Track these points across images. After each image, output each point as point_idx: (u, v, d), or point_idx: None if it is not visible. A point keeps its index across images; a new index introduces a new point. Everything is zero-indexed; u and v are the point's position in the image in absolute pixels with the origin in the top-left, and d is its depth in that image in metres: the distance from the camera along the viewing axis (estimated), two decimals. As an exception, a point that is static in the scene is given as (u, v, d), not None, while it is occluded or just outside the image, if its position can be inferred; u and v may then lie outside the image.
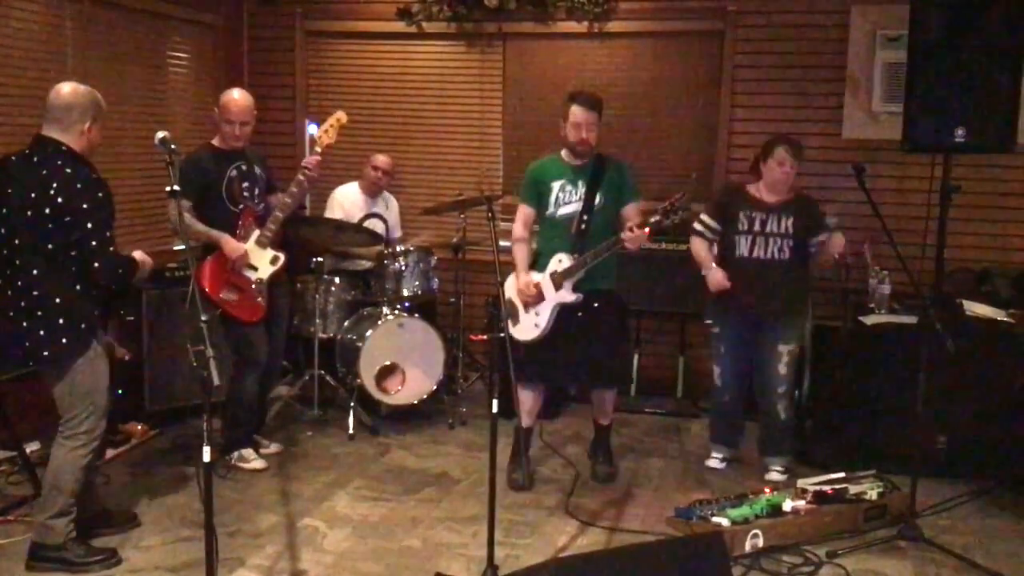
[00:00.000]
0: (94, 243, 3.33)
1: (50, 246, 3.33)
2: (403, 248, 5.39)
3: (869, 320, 4.67)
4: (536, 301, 4.30)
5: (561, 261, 4.26)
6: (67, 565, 3.46)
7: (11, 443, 4.28)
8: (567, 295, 4.24)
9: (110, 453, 4.58)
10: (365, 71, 6.53)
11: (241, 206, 4.46)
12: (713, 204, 4.67)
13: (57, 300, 3.35)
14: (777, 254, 4.43)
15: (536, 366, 4.34)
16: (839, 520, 3.89)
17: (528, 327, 4.32)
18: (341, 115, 4.64)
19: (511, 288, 4.39)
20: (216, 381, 2.73)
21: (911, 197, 5.31)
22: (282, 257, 4.52)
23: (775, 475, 4.60)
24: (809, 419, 5.08)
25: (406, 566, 3.62)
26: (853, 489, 4.01)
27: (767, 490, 4.03)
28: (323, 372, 5.31)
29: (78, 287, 3.37)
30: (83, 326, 3.41)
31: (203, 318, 2.84)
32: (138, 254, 3.59)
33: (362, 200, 5.78)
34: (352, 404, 5.16)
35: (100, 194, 3.37)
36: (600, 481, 4.49)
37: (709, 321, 4.69)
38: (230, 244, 4.38)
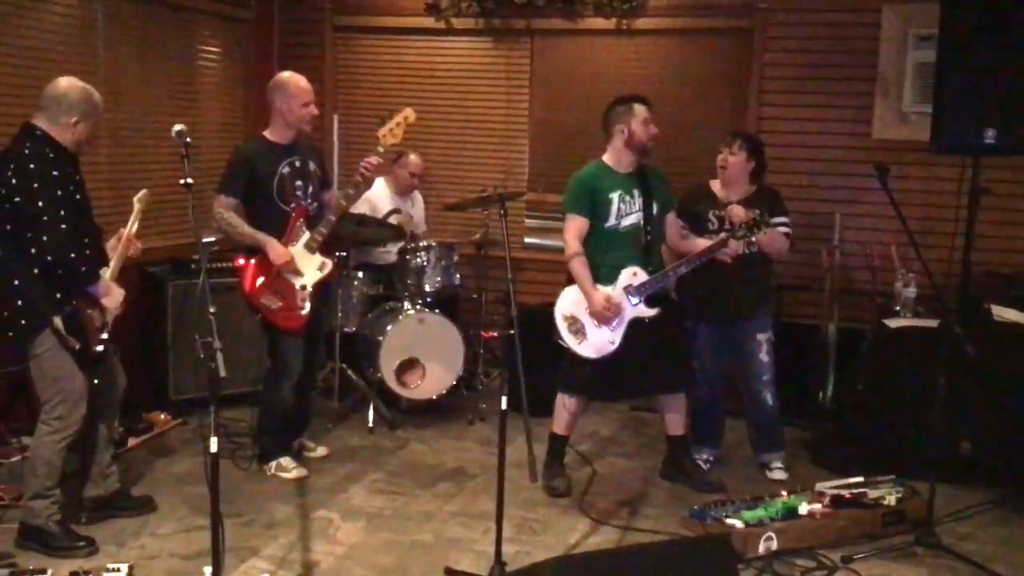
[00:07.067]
0: (45, 218, 3.35)
1: (8, 227, 3.40)
2: (425, 243, 5.40)
3: (893, 323, 4.60)
4: (614, 317, 4.13)
5: (636, 274, 4.14)
6: (48, 549, 3.52)
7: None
8: (645, 309, 4.14)
9: (132, 442, 4.65)
10: (393, 66, 6.55)
11: (292, 205, 4.23)
12: (679, 205, 4.59)
13: (16, 282, 3.42)
14: (746, 248, 4.36)
15: (606, 383, 4.20)
16: (856, 525, 3.84)
17: (602, 344, 4.12)
18: (409, 113, 4.31)
19: (574, 304, 4.15)
20: (222, 373, 2.76)
21: (940, 199, 5.20)
22: (329, 264, 4.29)
23: (778, 474, 4.55)
24: (831, 422, 5.03)
25: (416, 559, 3.63)
26: (872, 493, 3.95)
27: (784, 493, 3.99)
28: (344, 365, 5.34)
29: (36, 270, 3.41)
30: (38, 307, 3.43)
31: (211, 309, 2.87)
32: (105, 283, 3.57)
33: (389, 196, 5.80)
34: (372, 398, 5.19)
35: (55, 172, 3.41)
36: (716, 489, 4.30)
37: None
38: (276, 251, 4.15)
